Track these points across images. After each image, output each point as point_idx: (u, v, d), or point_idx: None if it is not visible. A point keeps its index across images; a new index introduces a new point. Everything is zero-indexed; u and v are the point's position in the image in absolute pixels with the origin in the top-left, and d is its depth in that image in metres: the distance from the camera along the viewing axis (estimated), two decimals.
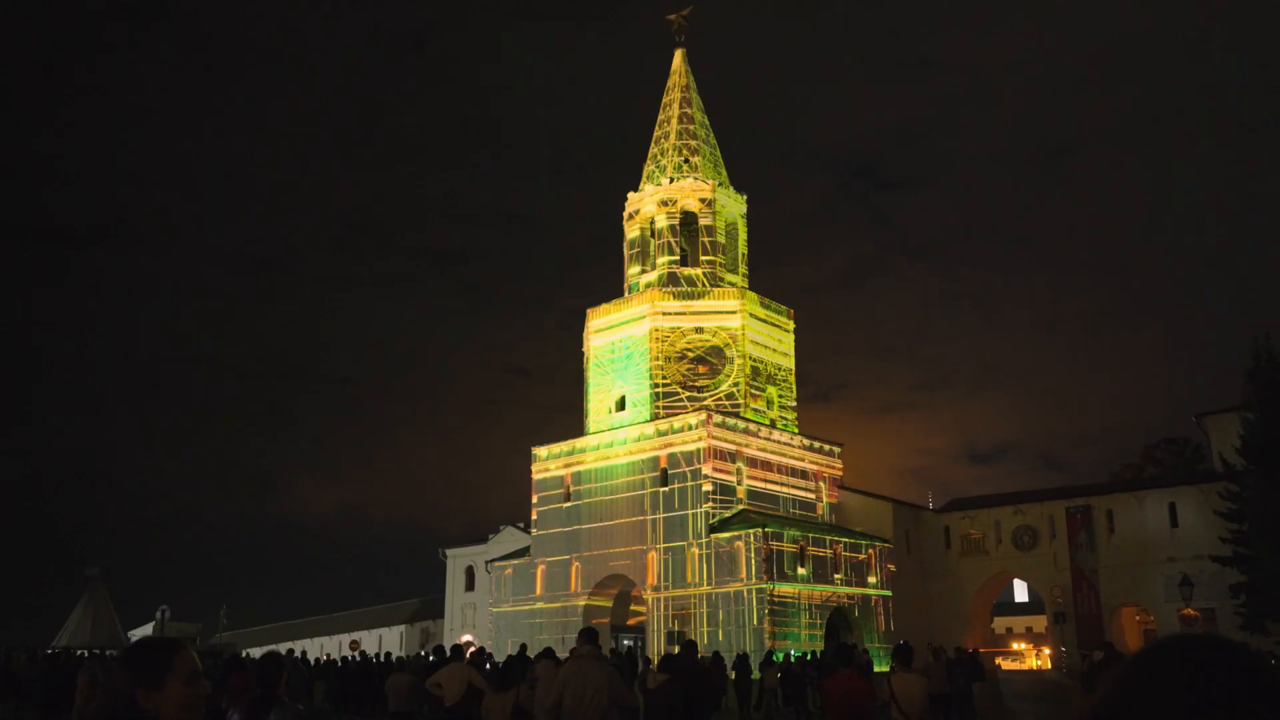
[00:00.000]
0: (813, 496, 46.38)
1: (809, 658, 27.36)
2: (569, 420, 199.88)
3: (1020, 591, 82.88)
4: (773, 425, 45.83)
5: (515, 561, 47.68)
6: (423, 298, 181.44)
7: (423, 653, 28.18)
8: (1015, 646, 65.49)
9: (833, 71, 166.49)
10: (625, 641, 43.53)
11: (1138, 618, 47.74)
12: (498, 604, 47.62)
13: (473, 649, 48.86)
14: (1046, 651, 47.71)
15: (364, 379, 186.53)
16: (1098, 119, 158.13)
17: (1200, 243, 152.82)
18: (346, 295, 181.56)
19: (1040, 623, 76.02)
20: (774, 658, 27.61)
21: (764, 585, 38.06)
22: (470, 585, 57.64)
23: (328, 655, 36.40)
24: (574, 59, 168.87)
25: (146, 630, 49.24)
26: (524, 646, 27.63)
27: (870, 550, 43.81)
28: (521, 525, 54.63)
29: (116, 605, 59.30)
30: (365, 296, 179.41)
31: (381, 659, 27.70)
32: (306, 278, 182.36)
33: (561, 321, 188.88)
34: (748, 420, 44.07)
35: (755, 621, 37.86)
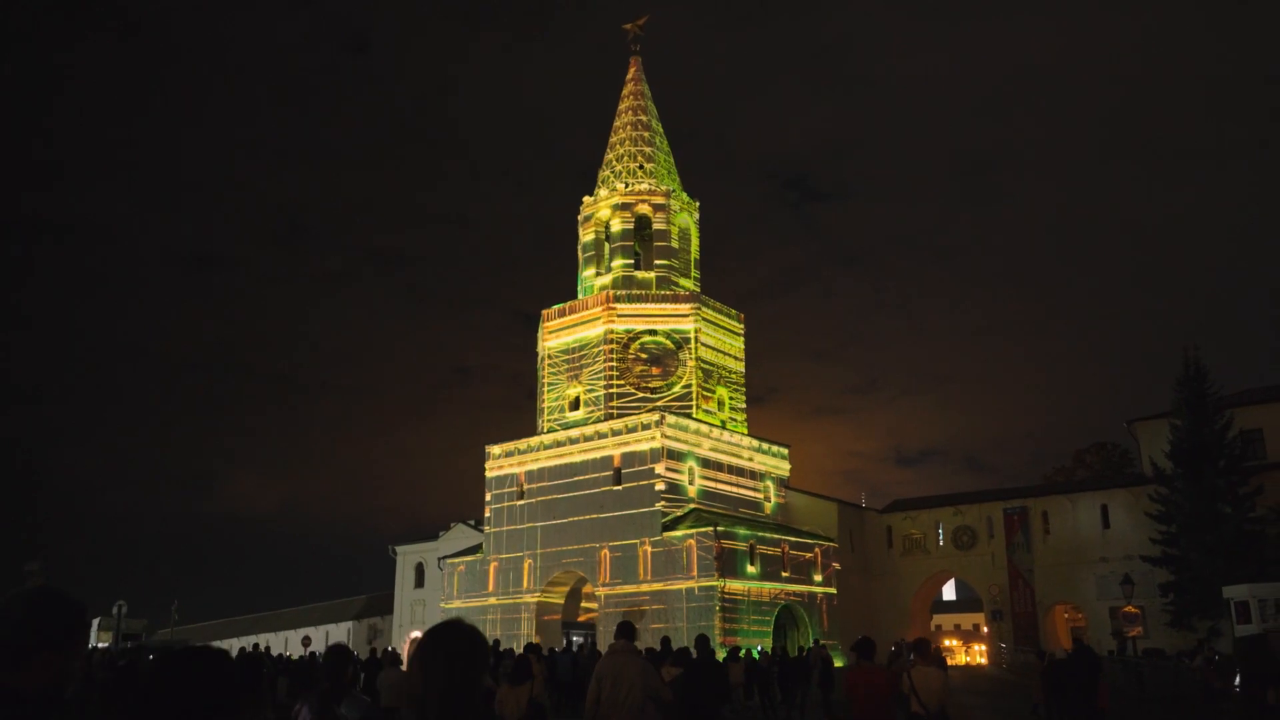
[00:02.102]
0: (761, 496, 46.26)
1: (771, 653, 27.13)
2: (510, 420, 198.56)
3: (949, 590, 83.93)
4: (723, 426, 45.63)
5: (468, 558, 46.83)
6: (364, 297, 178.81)
7: (390, 648, 27.26)
8: (946, 643, 66.09)
9: (767, 84, 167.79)
10: (575, 638, 42.90)
11: (1066, 615, 48.40)
12: (449, 600, 46.69)
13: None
14: (978, 648, 48.06)
15: (303, 376, 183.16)
16: (1017, 136, 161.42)
17: (1123, 255, 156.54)
18: (286, 293, 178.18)
19: (968, 620, 77.13)
20: (738, 654, 27.30)
21: (715, 583, 37.78)
22: (420, 582, 56.53)
23: (286, 651, 35.20)
24: (520, 64, 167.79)
25: (93, 627, 47.15)
26: (497, 642, 27.04)
27: (816, 549, 43.79)
28: (472, 522, 53.76)
29: None
30: (305, 295, 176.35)
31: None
32: (246, 275, 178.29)
33: (503, 323, 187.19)
34: (699, 421, 43.80)
35: (706, 618, 37.53)
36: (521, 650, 19.00)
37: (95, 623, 51.82)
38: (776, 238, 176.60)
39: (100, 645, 37.28)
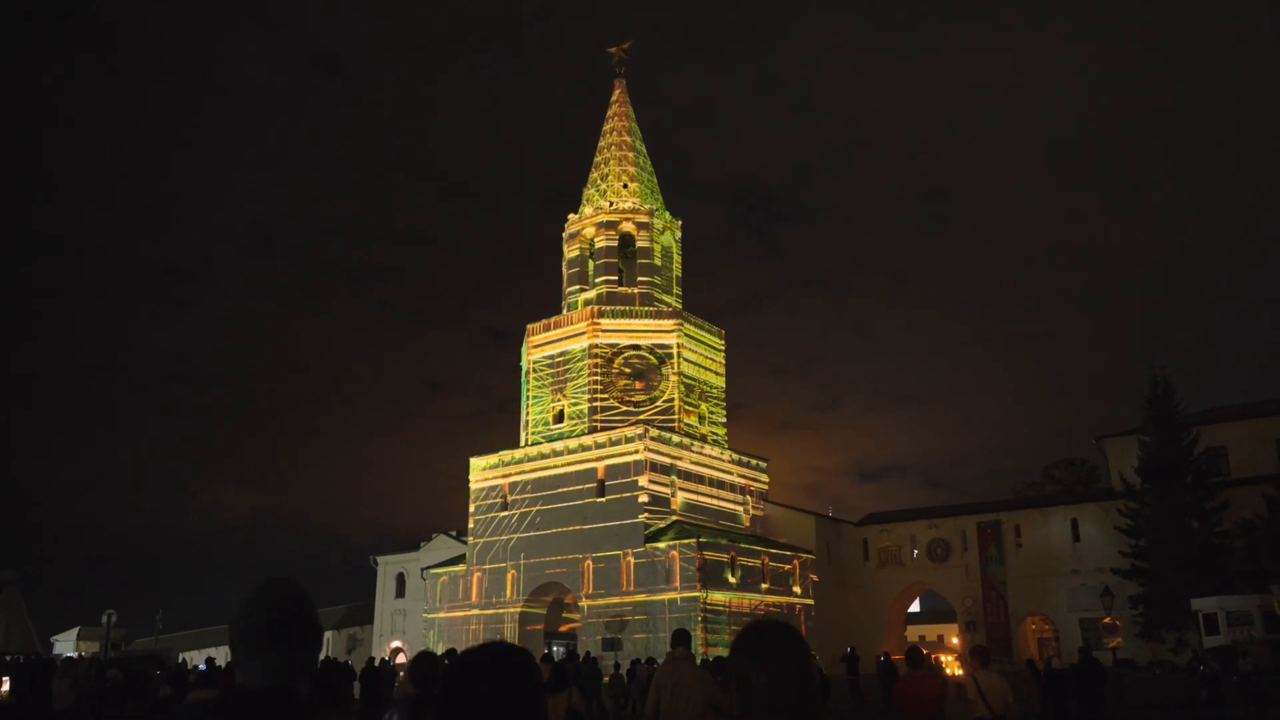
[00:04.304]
0: (740, 509, 45.98)
1: None
2: (481, 433, 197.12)
3: (914, 602, 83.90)
4: (704, 439, 45.35)
5: (451, 569, 46.07)
6: (338, 311, 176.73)
7: (383, 659, 26.59)
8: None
9: (728, 108, 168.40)
10: (557, 647, 42.30)
11: (1033, 627, 48.44)
12: (432, 610, 45.86)
13: (401, 657, 46.86)
14: (944, 659, 47.92)
15: (277, 389, 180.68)
16: (976, 160, 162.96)
17: (1085, 275, 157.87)
18: (260, 307, 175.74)
19: (933, 631, 77.12)
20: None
21: (696, 594, 37.41)
22: (401, 592, 55.58)
23: None
24: (493, 85, 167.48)
25: (71, 636, 46.01)
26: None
27: (795, 561, 43.55)
28: (454, 533, 52.98)
29: (31, 612, 55.49)
30: (276, 309, 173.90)
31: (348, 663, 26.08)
32: (221, 288, 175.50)
33: (473, 338, 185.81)
34: (682, 434, 43.49)
35: (688, 630, 37.05)
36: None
37: (76, 631, 50.68)
38: (739, 258, 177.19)
39: (82, 654, 36.26)
